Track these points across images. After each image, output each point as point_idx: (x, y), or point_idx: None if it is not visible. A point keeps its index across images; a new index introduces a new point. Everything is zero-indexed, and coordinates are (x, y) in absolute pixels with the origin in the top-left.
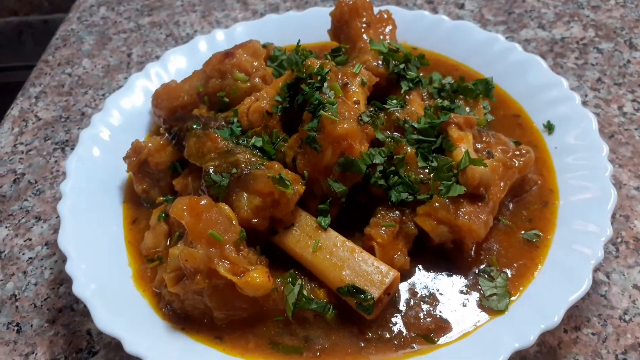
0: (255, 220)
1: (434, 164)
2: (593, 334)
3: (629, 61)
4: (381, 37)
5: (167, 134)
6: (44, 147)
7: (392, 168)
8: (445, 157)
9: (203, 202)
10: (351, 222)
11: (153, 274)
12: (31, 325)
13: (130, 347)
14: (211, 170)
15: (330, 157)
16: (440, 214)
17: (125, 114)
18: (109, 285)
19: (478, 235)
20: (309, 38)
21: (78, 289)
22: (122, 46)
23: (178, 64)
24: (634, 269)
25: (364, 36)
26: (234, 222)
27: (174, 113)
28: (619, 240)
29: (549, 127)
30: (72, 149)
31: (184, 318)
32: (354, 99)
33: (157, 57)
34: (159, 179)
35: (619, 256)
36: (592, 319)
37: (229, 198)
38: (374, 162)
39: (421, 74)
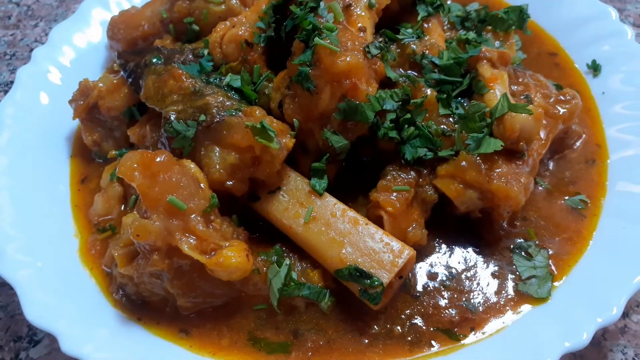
0: (231, 183)
1: (460, 111)
2: None
3: None
4: None
5: (122, 71)
6: None
7: (408, 116)
8: (477, 102)
9: (160, 159)
10: (353, 184)
11: (103, 248)
12: None
13: (69, 346)
14: (172, 117)
15: (328, 100)
16: (468, 176)
17: (75, 49)
18: (49, 263)
19: (517, 203)
20: None
21: (6, 269)
22: None
23: None
24: None
25: None
26: (202, 185)
27: (134, 46)
28: None
29: (595, 68)
30: None
31: (141, 305)
32: (359, 25)
33: None
34: (112, 128)
35: None
36: None
37: (197, 154)
38: (384, 107)
39: None
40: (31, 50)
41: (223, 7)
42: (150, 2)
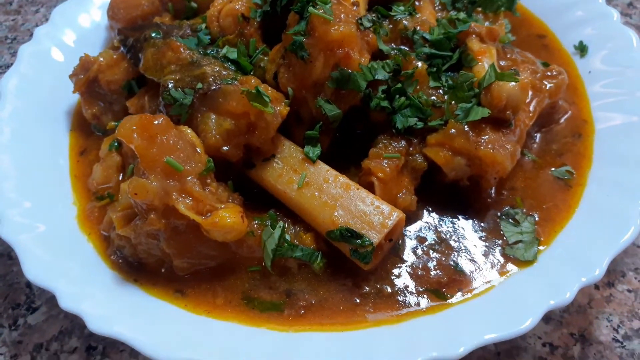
0: (226, 149)
1: (450, 83)
2: (629, 290)
3: None
4: None
5: (122, 47)
6: None
7: (399, 86)
8: (466, 73)
9: (158, 122)
10: (345, 155)
11: (101, 214)
12: None
13: (67, 302)
14: (170, 86)
15: (322, 68)
16: (456, 143)
17: (76, 29)
18: (48, 227)
19: (504, 169)
20: None
21: (6, 231)
22: None
23: None
24: None
25: None
26: (198, 149)
27: (133, 25)
28: None
29: (582, 49)
30: None
31: (137, 267)
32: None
33: None
34: (112, 102)
35: None
36: (628, 274)
37: (193, 120)
38: (376, 77)
39: None
40: (32, 35)
41: None
42: None
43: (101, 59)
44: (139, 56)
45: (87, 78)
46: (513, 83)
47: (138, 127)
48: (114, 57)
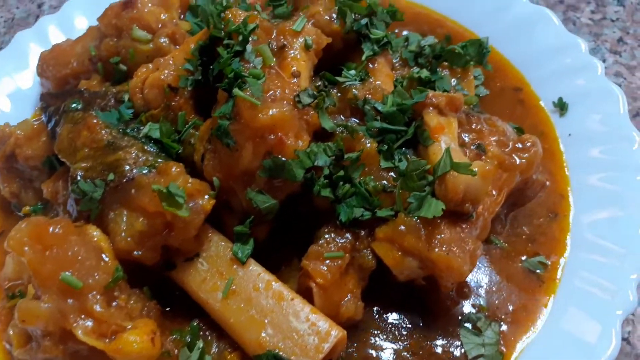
0: (139, 253)
1: (404, 163)
2: None
3: None
4: None
5: (43, 115)
6: None
7: (341, 173)
8: (417, 159)
9: (53, 229)
10: (289, 242)
11: (9, 318)
12: None
13: None
14: (79, 177)
15: (251, 158)
16: (406, 242)
17: (4, 88)
18: None
19: (460, 274)
20: None
21: None
22: None
23: (83, 19)
24: None
25: None
26: (104, 255)
27: (65, 84)
28: None
29: (561, 106)
30: None
31: None
32: (293, 69)
33: None
34: (32, 179)
35: None
36: None
37: (104, 218)
38: (315, 164)
39: (392, 33)
40: None
41: (151, 45)
42: (82, 36)
43: (19, 132)
44: (56, 131)
45: (3, 153)
46: (471, 175)
47: (30, 237)
48: (35, 127)
